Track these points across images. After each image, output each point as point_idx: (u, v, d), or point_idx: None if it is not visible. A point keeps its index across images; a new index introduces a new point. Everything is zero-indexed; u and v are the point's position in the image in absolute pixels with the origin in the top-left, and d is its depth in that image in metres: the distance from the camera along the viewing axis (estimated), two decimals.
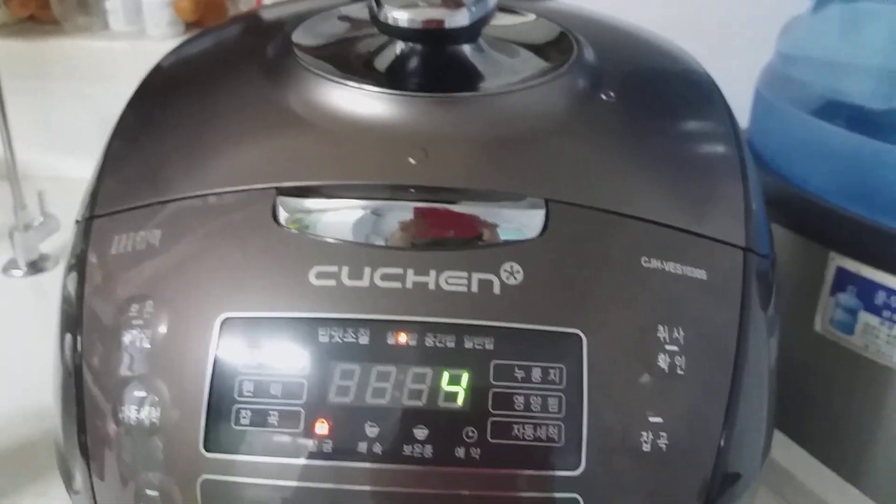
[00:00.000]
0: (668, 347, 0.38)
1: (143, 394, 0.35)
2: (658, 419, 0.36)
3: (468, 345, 0.35)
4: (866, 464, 0.61)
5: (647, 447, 0.37)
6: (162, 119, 0.47)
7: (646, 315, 0.37)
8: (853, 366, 0.55)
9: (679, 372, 0.36)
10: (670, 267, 0.38)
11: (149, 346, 0.36)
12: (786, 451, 0.61)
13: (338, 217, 0.39)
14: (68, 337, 0.37)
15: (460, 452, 0.34)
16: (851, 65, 0.65)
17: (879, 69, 0.62)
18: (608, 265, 0.37)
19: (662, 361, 0.38)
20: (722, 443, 0.38)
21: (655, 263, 0.38)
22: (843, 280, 0.54)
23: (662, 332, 0.36)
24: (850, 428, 0.62)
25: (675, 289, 0.38)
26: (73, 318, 0.37)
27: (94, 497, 0.39)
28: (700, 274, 0.38)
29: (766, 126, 0.70)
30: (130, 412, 0.37)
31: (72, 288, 0.38)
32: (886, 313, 0.52)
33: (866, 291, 0.53)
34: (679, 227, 0.41)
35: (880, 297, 0.52)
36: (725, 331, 0.40)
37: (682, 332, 0.36)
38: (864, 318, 0.53)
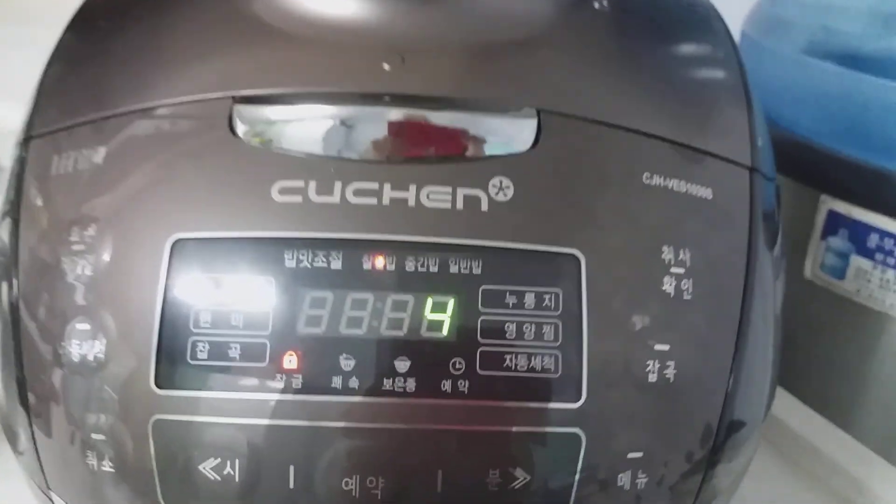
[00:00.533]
0: (674, 270, 0.35)
1: (86, 327, 0.31)
2: (664, 347, 0.33)
3: (453, 268, 0.32)
4: (858, 410, 0.60)
5: (652, 377, 0.33)
6: (105, 32, 0.42)
7: (649, 235, 0.33)
8: (844, 311, 0.52)
9: (686, 297, 0.33)
10: (673, 184, 0.35)
11: (91, 273, 0.32)
12: (777, 399, 0.59)
13: (303, 128, 0.35)
14: (3, 285, 0.32)
15: (446, 385, 0.31)
16: (841, 4, 0.62)
17: (870, 7, 0.59)
18: (607, 181, 0.34)
19: (668, 285, 0.34)
20: (731, 375, 0.35)
21: (658, 180, 0.35)
22: (835, 223, 0.53)
23: (667, 253, 0.33)
24: (842, 374, 0.61)
25: (680, 208, 0.35)
26: (9, 261, 0.32)
27: (37, 453, 0.35)
28: (705, 193, 0.35)
29: (753, 68, 0.66)
30: (73, 349, 0.33)
31: (6, 230, 0.33)
32: (879, 256, 0.49)
33: (858, 234, 0.50)
34: (682, 142, 0.38)
35: (873, 240, 0.50)
36: (734, 255, 0.37)
37: (688, 254, 0.34)
38: (856, 262, 0.51)
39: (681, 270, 0.33)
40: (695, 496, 0.36)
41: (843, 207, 0.52)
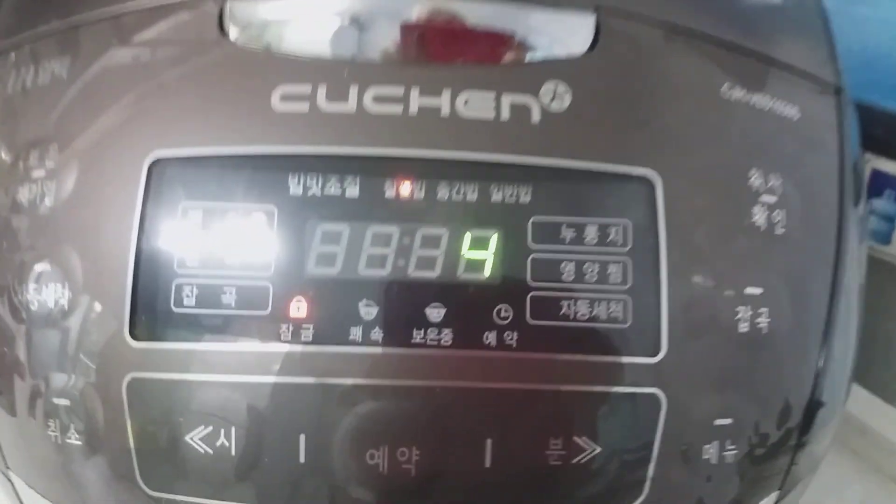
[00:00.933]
0: (764, 198, 0.29)
1: (46, 269, 0.26)
2: (756, 290, 0.27)
3: (497, 194, 0.27)
4: None
5: (744, 326, 0.27)
6: None
7: (734, 156, 0.28)
8: (889, 279, 0.48)
9: (779, 231, 0.29)
10: (756, 100, 0.30)
11: (52, 204, 0.25)
12: None
13: (308, 28, 0.29)
14: None
15: (490, 338, 0.27)
16: None
17: None
18: (680, 93, 0.28)
19: (759, 216, 0.28)
20: (827, 329, 0.29)
21: (738, 94, 0.30)
22: (880, 183, 0.48)
23: (756, 178, 0.29)
24: (887, 347, 0.55)
25: (765, 127, 0.30)
26: None
27: None
28: (791, 112, 0.31)
29: None
30: (31, 296, 0.27)
31: None
32: None
33: None
34: (763, 52, 0.31)
35: None
36: (826, 185, 0.31)
37: (778, 180, 0.29)
38: None
39: (772, 199, 0.29)
40: (783, 478, 0.30)
41: (888, 166, 0.47)
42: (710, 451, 0.27)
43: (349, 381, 0.26)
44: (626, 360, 0.26)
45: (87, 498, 0.27)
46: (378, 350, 0.26)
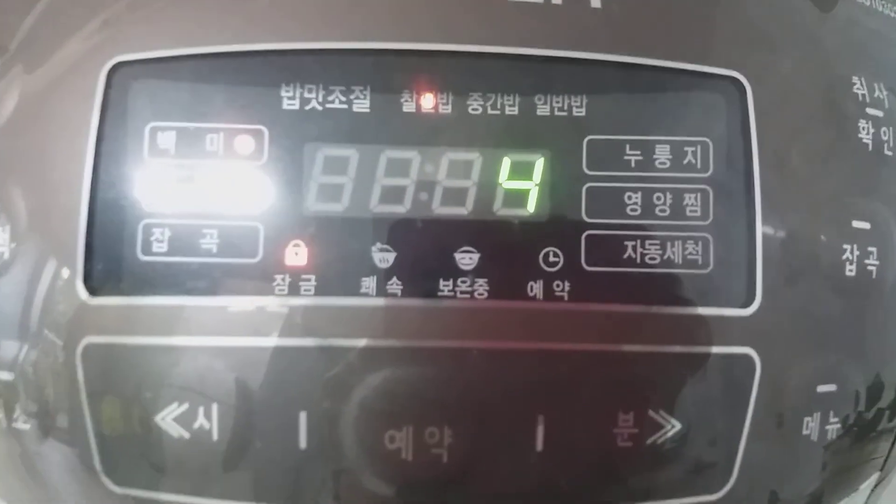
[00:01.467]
0: (871, 111, 0.23)
1: None
2: (864, 225, 0.22)
3: (543, 106, 0.22)
4: None
5: (850, 269, 0.22)
6: None
7: (834, 59, 0.24)
8: None
9: (888, 152, 0.24)
10: None
11: None
12: None
13: None
14: None
15: (535, 289, 0.22)
16: None
17: None
18: None
19: (864, 132, 0.23)
20: None
21: None
22: None
23: (859, 87, 0.24)
24: None
25: (866, 27, 0.25)
26: None
27: None
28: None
29: None
30: None
31: None
32: None
33: None
34: None
35: None
36: None
37: (884, 91, 0.24)
38: None
39: (878, 113, 0.24)
40: (886, 457, 0.25)
41: None
42: (811, 426, 0.22)
43: (361, 342, 0.21)
44: (709, 312, 0.21)
45: (42, 496, 0.22)
46: (396, 304, 0.21)
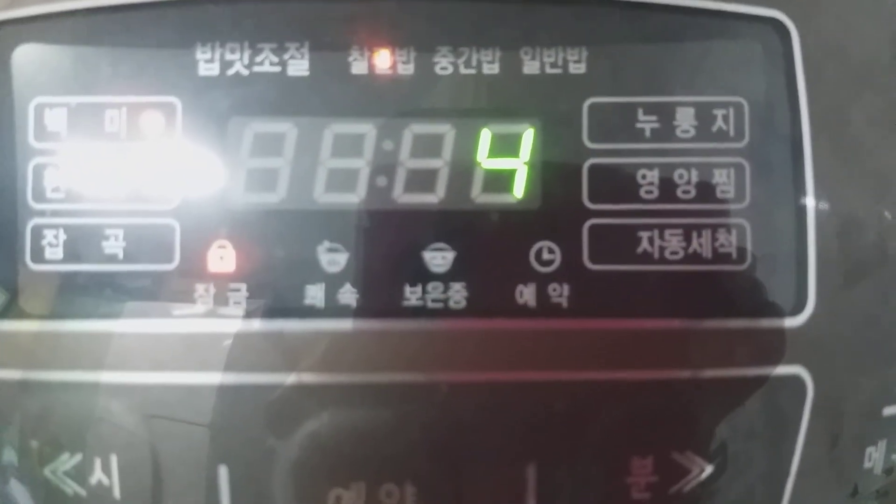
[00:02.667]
0: None
1: None
2: None
3: (532, 62, 0.18)
4: None
5: None
6: None
7: None
8: None
9: None
10: None
11: None
12: None
13: None
14: None
15: (525, 296, 0.18)
16: None
17: None
18: None
19: None
20: None
21: None
22: None
23: None
24: None
25: None
26: None
27: None
28: None
29: None
30: None
31: None
32: None
33: None
34: None
35: None
36: None
37: None
38: None
39: None
40: None
41: None
42: (875, 456, 0.18)
43: (300, 376, 0.16)
44: (748, 324, 0.17)
45: None
46: (349, 323, 0.17)
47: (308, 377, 0.17)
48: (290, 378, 0.17)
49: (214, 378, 0.17)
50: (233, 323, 0.17)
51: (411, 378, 0.17)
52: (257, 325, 0.17)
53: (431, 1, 0.17)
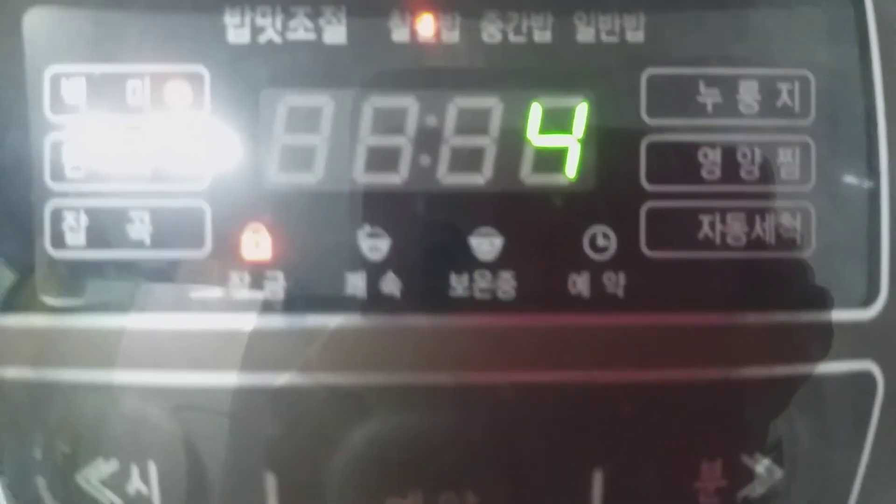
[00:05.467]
0: None
1: None
2: None
3: (586, 29, 0.16)
4: None
5: None
6: None
7: None
8: None
9: None
10: None
11: None
12: None
13: None
14: None
15: (580, 284, 0.16)
16: None
17: None
18: None
19: None
20: None
21: None
22: None
23: None
24: None
25: None
26: None
27: None
28: None
29: None
30: None
31: None
32: None
33: None
34: None
35: None
36: None
37: None
38: None
39: None
40: None
41: None
42: None
43: (347, 376, 0.15)
44: (814, 316, 0.16)
45: None
46: (388, 319, 0.16)
47: (354, 377, 0.16)
48: (337, 379, 0.16)
49: (255, 379, 0.16)
50: (271, 317, 0.16)
51: (467, 379, 0.16)
52: (298, 318, 0.16)
53: None
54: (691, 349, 0.16)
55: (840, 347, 0.16)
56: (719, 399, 0.16)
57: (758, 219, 0.17)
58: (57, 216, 0.17)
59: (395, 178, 0.17)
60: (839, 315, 0.16)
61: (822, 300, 0.16)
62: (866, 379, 0.16)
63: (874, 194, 0.16)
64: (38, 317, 0.16)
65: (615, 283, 0.17)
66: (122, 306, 0.16)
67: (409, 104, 0.17)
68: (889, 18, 0.16)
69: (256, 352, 0.16)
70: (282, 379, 0.16)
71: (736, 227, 0.17)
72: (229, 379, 0.16)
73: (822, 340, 0.16)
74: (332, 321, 0.16)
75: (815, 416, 0.17)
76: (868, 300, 0.16)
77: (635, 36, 0.16)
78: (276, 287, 0.17)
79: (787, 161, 0.17)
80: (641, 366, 0.16)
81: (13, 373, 0.16)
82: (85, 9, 0.16)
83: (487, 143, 0.17)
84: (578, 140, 0.17)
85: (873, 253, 0.16)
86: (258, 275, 0.17)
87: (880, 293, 0.16)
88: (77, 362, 0.16)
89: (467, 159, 0.17)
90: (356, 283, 0.17)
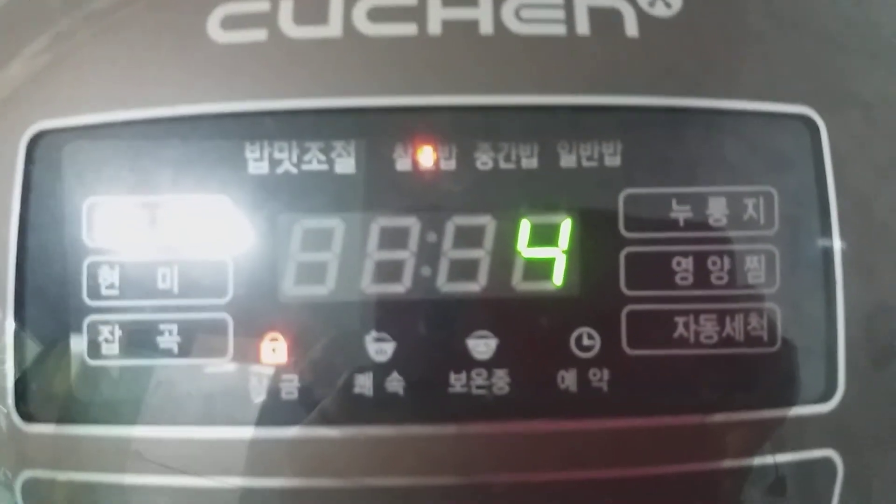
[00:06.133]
0: None
1: None
2: None
3: (568, 155, 0.18)
4: None
5: None
6: None
7: None
8: None
9: None
10: None
11: None
12: None
13: None
14: None
15: (566, 382, 0.18)
16: None
17: None
18: None
19: None
20: None
21: None
22: None
23: None
24: None
25: None
26: None
27: None
28: None
29: None
30: None
31: None
32: None
33: None
34: None
35: None
36: None
37: None
38: None
39: None
40: None
41: None
42: None
43: (362, 480, 0.17)
44: (779, 412, 0.17)
45: None
46: (398, 425, 0.17)
47: (369, 480, 0.17)
48: (350, 482, 0.17)
49: (279, 482, 0.17)
50: (285, 416, 0.17)
51: (471, 480, 0.17)
52: (306, 421, 0.17)
53: (474, 112, 0.17)
54: (671, 446, 0.17)
55: (803, 438, 0.17)
56: (694, 492, 0.17)
57: (728, 320, 0.18)
58: (93, 329, 0.18)
59: (399, 288, 0.18)
60: (801, 410, 0.17)
61: (786, 396, 0.18)
62: (827, 465, 0.18)
63: (831, 298, 0.18)
64: (75, 428, 0.17)
65: (600, 377, 0.18)
66: (152, 417, 0.17)
67: (411, 223, 0.18)
68: (840, 142, 0.18)
69: (275, 457, 0.17)
70: (302, 483, 0.17)
71: (708, 328, 0.18)
72: (253, 483, 0.17)
73: (786, 432, 0.17)
74: (341, 422, 0.17)
75: (783, 502, 0.18)
76: (827, 395, 0.17)
77: (613, 161, 0.18)
78: (291, 388, 0.18)
79: (753, 267, 0.18)
80: (623, 459, 0.17)
81: (60, 477, 0.17)
82: (120, 147, 0.18)
83: (482, 256, 0.18)
84: (564, 252, 0.18)
85: (830, 351, 0.17)
86: (275, 378, 0.18)
87: (838, 388, 0.17)
88: (116, 464, 0.17)
89: (464, 270, 0.18)
90: (364, 383, 0.18)
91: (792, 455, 0.17)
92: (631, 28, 0.17)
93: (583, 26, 0.17)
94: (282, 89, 0.17)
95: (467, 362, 0.18)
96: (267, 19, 0.17)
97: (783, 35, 0.18)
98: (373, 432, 0.17)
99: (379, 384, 0.18)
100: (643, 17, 0.17)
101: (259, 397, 0.18)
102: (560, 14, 0.17)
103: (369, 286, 0.18)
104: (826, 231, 0.18)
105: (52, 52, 0.18)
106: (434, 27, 0.17)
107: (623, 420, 0.17)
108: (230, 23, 0.17)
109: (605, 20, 0.17)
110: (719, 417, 0.17)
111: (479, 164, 0.18)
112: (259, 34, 0.17)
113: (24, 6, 0.20)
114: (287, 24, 0.17)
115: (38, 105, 0.18)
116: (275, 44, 0.17)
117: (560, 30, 0.17)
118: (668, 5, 0.17)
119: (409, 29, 0.17)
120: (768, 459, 0.17)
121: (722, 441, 0.17)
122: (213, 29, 0.17)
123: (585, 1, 0.17)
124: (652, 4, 0.17)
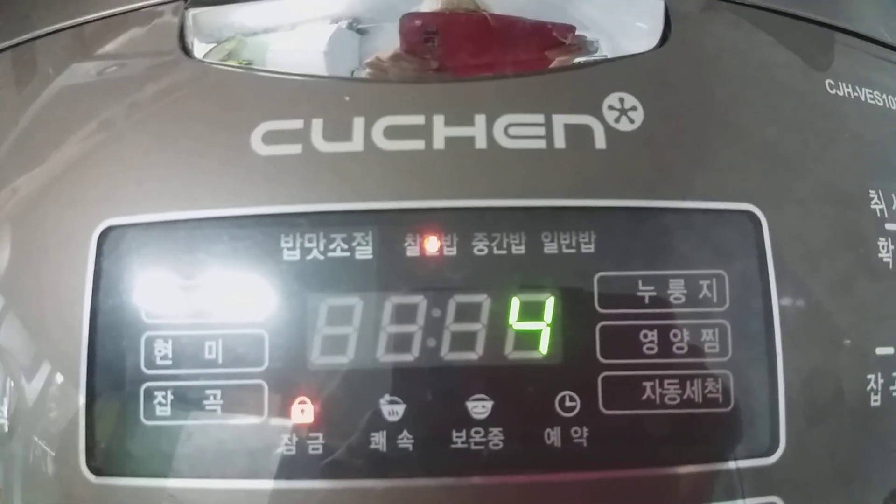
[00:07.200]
0: (890, 227, 0.22)
1: None
2: (888, 350, 0.22)
3: (551, 246, 0.21)
4: None
5: (875, 399, 0.21)
6: None
7: (850, 172, 0.24)
8: None
9: None
10: (867, 95, 0.25)
11: None
12: None
13: (292, 37, 0.22)
14: None
15: (552, 438, 0.21)
16: None
17: None
18: (781, 92, 0.21)
19: (883, 250, 0.22)
20: None
21: (845, 90, 0.24)
22: None
23: (877, 202, 0.23)
24: None
25: (881, 130, 0.25)
26: None
27: None
28: None
29: None
30: None
31: None
32: None
33: None
34: (870, 35, 0.25)
35: None
36: None
37: None
38: None
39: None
40: None
41: None
42: None
43: None
44: (731, 464, 0.20)
45: None
46: (406, 479, 0.20)
47: None
48: None
49: None
50: (312, 468, 0.20)
51: None
52: (330, 474, 0.20)
53: (472, 211, 0.21)
54: (640, 494, 0.20)
55: (752, 486, 0.20)
56: None
57: (688, 384, 0.21)
58: (149, 394, 0.21)
59: (408, 357, 0.21)
60: (751, 462, 0.20)
61: (738, 450, 0.20)
62: None
63: (772, 366, 0.21)
64: (134, 480, 0.20)
65: (580, 435, 0.21)
66: (198, 465, 0.20)
67: (419, 301, 0.21)
68: (779, 233, 0.21)
69: (289, 497, 0.20)
70: None
71: (671, 391, 0.21)
72: None
73: (737, 481, 0.20)
74: (357, 476, 0.20)
75: None
76: (771, 449, 0.20)
77: (588, 248, 0.21)
78: (317, 445, 0.21)
79: (708, 339, 0.21)
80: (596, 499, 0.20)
81: None
82: (176, 237, 0.21)
83: (479, 329, 0.21)
84: (548, 325, 0.21)
85: (773, 411, 0.20)
86: (302, 439, 0.21)
87: (780, 443, 0.20)
88: None
89: (464, 341, 0.21)
90: (378, 440, 0.21)
91: (742, 502, 0.20)
92: (600, 141, 0.21)
93: (559, 141, 0.21)
94: (314, 195, 0.20)
95: (467, 422, 0.21)
96: (301, 135, 0.21)
97: (729, 143, 0.22)
98: (387, 484, 0.20)
99: (392, 441, 0.21)
100: (610, 132, 0.21)
101: (290, 452, 0.21)
102: (541, 131, 0.21)
103: (383, 356, 0.21)
104: (768, 308, 0.21)
105: (117, 157, 0.21)
106: (438, 143, 0.20)
107: (600, 473, 0.20)
108: (270, 138, 0.21)
109: (578, 135, 0.21)
110: (681, 469, 0.20)
111: (475, 251, 0.21)
112: (295, 148, 0.20)
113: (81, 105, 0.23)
114: (318, 139, 0.20)
115: (106, 205, 0.21)
116: (307, 156, 0.20)
117: (541, 144, 0.21)
118: (631, 121, 0.21)
119: (418, 144, 0.20)
120: None
121: (684, 489, 0.20)
122: (256, 143, 0.21)
123: (562, 119, 0.21)
124: (617, 120, 0.21)
